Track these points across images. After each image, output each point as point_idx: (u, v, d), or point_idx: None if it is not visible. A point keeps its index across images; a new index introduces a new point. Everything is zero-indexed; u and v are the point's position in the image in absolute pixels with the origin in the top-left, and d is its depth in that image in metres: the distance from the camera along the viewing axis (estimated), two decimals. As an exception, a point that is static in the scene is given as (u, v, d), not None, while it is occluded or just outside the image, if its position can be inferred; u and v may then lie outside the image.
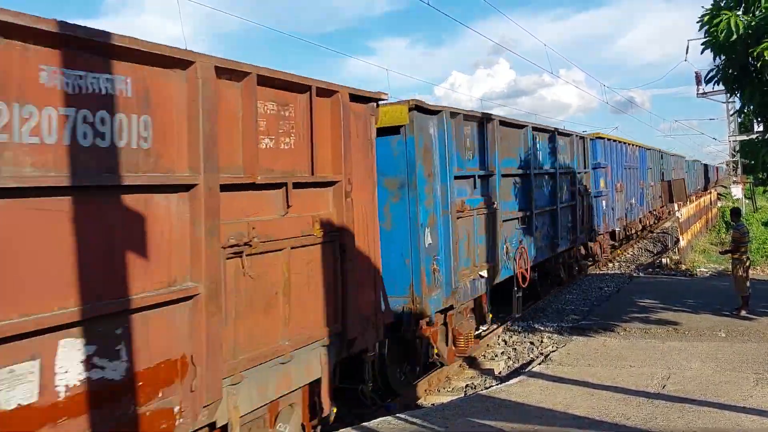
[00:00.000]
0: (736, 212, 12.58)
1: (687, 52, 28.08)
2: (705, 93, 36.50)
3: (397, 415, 6.83)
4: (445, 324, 8.98)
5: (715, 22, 9.06)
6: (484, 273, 9.89)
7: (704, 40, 9.48)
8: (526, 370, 8.62)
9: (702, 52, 9.62)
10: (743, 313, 10.87)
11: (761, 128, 10.45)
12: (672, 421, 6.20)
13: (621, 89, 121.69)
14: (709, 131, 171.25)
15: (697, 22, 9.48)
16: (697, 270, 17.10)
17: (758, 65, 8.75)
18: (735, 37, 8.83)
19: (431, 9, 13.48)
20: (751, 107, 9.77)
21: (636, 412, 6.50)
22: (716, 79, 9.95)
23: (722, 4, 9.36)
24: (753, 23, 8.72)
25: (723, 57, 9.47)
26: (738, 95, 10.09)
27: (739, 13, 9.22)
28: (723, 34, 8.89)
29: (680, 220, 19.73)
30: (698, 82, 36.77)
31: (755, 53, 8.58)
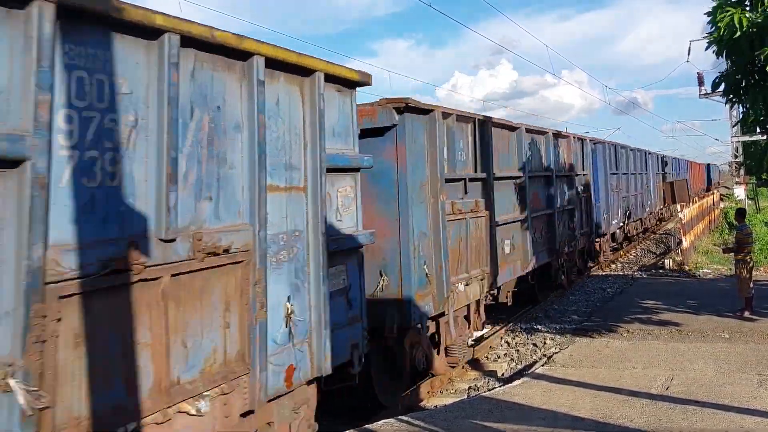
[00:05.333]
0: (741, 213, 12.55)
1: (689, 53, 27.96)
2: (707, 94, 36.40)
3: (400, 417, 6.82)
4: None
5: (719, 17, 8.85)
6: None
7: (707, 37, 9.31)
8: (529, 371, 8.61)
9: (706, 49, 9.44)
10: (746, 314, 10.84)
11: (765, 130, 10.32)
12: (675, 423, 6.19)
13: (623, 90, 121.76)
14: (711, 132, 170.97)
15: (705, 13, 9.29)
16: (700, 271, 17.07)
17: (766, 68, 8.57)
18: (738, 33, 8.59)
19: (433, 10, 13.45)
20: (758, 111, 9.50)
21: (639, 413, 6.49)
22: (722, 89, 9.76)
23: (728, 1, 9.14)
24: (758, 20, 8.51)
25: (727, 58, 9.28)
26: (743, 101, 9.80)
27: (747, 6, 9.02)
28: (726, 31, 8.68)
29: (683, 221, 19.69)
30: (700, 83, 36.68)
31: (763, 56, 8.39)
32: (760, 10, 8.68)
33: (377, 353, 7.60)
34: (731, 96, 9.77)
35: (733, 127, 32.78)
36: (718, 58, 9.42)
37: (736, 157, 39.60)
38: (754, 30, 8.56)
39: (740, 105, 9.97)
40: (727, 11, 8.80)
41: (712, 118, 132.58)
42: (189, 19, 4.29)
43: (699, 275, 16.51)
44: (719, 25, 8.81)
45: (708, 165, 72.50)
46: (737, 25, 8.56)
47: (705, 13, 9.29)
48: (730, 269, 14.86)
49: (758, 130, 10.24)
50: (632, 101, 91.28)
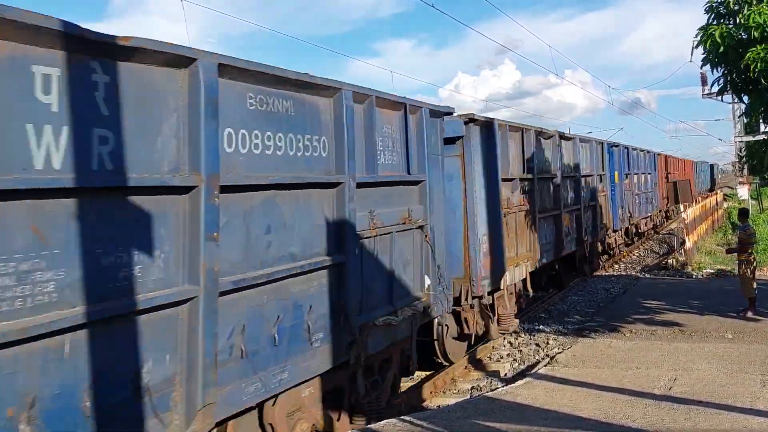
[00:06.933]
0: (743, 213, 12.54)
1: (692, 53, 27.81)
2: (710, 94, 36.27)
3: (402, 417, 6.81)
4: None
5: (704, 39, 9.48)
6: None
7: (703, 55, 9.79)
8: (532, 371, 8.60)
9: (701, 67, 9.99)
10: (750, 314, 10.81)
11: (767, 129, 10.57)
12: (678, 423, 6.18)
13: (627, 90, 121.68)
14: (715, 132, 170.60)
15: (694, 38, 9.85)
16: (703, 271, 17.04)
17: (752, 73, 8.86)
18: (723, 48, 9.17)
19: (436, 11, 13.45)
20: (760, 110, 9.81)
21: (642, 413, 6.48)
22: (725, 88, 10.10)
23: (711, 18, 9.76)
24: (740, 35, 9.07)
25: (721, 68, 9.72)
26: (744, 101, 10.19)
27: (729, 23, 9.54)
28: (711, 47, 9.27)
29: (686, 221, 19.67)
30: (704, 83, 36.56)
31: (743, 64, 8.73)
32: (741, 21, 9.01)
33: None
34: (736, 94, 10.25)
35: (739, 117, 32.76)
36: (713, 72, 9.89)
37: (739, 157, 39.51)
38: (738, 41, 9.10)
39: (741, 101, 10.43)
40: (711, 28, 9.42)
41: (716, 118, 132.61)
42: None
43: (702, 275, 16.48)
44: (705, 44, 9.44)
45: (700, 164, 58.16)
46: (719, 40, 9.17)
47: (694, 37, 9.84)
48: (733, 269, 14.84)
49: (762, 125, 10.72)
50: (635, 101, 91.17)
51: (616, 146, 20.59)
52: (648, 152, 26.31)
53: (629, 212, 21.79)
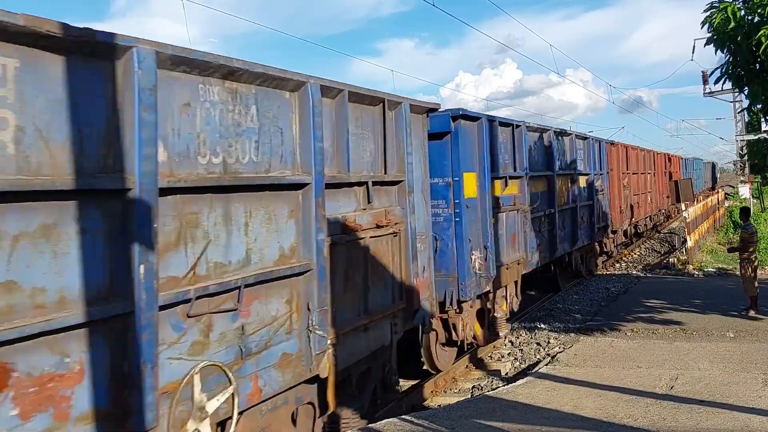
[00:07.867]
0: (745, 212, 12.52)
1: (693, 52, 27.95)
2: (712, 92, 36.27)
3: (403, 416, 6.81)
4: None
5: (714, 17, 9.32)
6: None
7: (707, 35, 9.64)
8: (533, 371, 8.59)
9: (705, 45, 9.76)
10: (752, 313, 10.80)
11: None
12: (680, 422, 6.17)
13: (628, 89, 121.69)
14: (716, 131, 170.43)
15: (703, 12, 9.69)
16: (705, 270, 17.02)
17: (761, 56, 8.80)
18: (732, 24, 9.01)
19: (438, 10, 13.44)
20: (758, 106, 9.81)
21: (644, 413, 6.47)
22: (724, 77, 9.98)
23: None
24: (752, 16, 8.97)
25: (726, 51, 9.61)
26: (745, 93, 10.15)
27: (739, 5, 9.41)
28: (720, 25, 9.13)
29: (687, 220, 19.64)
30: (705, 82, 36.52)
31: (754, 42, 8.69)
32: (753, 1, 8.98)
33: None
34: (735, 89, 10.25)
35: (739, 112, 32.71)
36: (716, 53, 9.72)
37: (741, 155, 39.45)
38: (748, 21, 9.02)
39: (742, 94, 10.43)
40: (724, 3, 9.27)
41: (717, 117, 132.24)
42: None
43: (704, 274, 16.46)
44: (714, 23, 9.28)
45: (692, 161, 48.28)
46: (731, 17, 9.03)
47: (703, 11, 9.64)
48: (735, 268, 14.83)
49: (763, 123, 10.69)
50: (637, 100, 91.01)
51: (474, 119, 9.48)
52: (584, 138, 15.76)
53: (495, 260, 9.77)
